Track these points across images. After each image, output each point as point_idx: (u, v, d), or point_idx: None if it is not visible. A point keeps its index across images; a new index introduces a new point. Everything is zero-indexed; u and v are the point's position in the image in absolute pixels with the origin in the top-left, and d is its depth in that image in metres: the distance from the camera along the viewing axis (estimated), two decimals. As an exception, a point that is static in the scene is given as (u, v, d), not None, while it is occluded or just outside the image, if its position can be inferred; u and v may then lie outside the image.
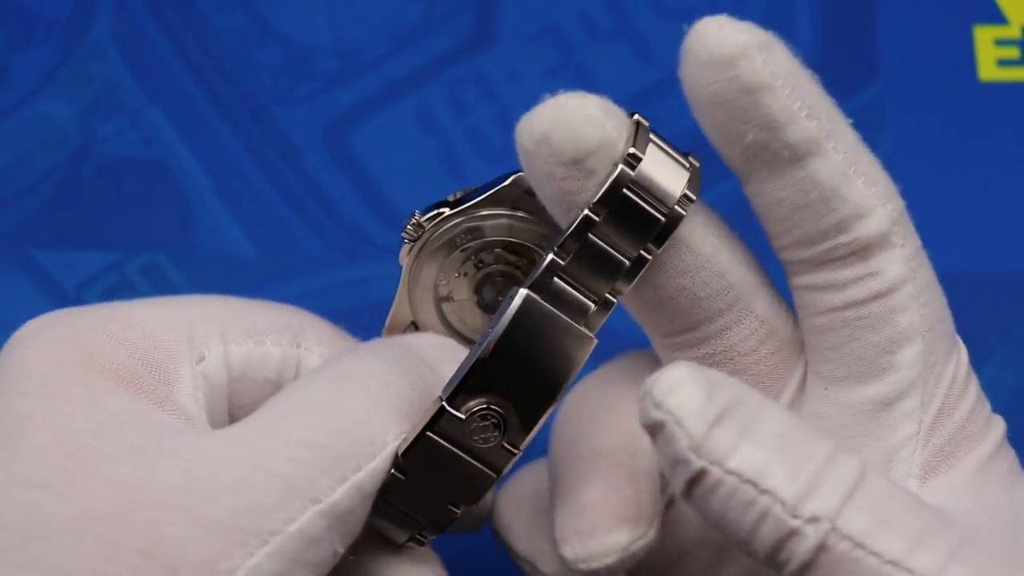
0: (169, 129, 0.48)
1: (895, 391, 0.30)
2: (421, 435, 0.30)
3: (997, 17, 0.49)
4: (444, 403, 0.29)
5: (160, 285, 0.46)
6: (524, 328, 0.29)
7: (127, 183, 0.47)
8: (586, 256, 0.29)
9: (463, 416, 0.29)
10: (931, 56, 0.48)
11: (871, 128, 0.48)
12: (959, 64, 0.48)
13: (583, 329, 0.29)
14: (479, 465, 0.30)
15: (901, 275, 0.30)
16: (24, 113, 0.48)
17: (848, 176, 0.29)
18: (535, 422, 0.30)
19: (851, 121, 0.31)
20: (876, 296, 0.29)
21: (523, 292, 0.29)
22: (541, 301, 0.29)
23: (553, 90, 0.48)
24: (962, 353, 0.30)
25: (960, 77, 0.48)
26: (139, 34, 0.49)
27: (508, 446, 0.30)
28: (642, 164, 0.30)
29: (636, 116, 0.31)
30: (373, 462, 0.30)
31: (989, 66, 0.48)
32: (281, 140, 0.48)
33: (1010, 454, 0.31)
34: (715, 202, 0.47)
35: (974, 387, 0.30)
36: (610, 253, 0.30)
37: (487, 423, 0.30)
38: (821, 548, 0.27)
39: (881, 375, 0.30)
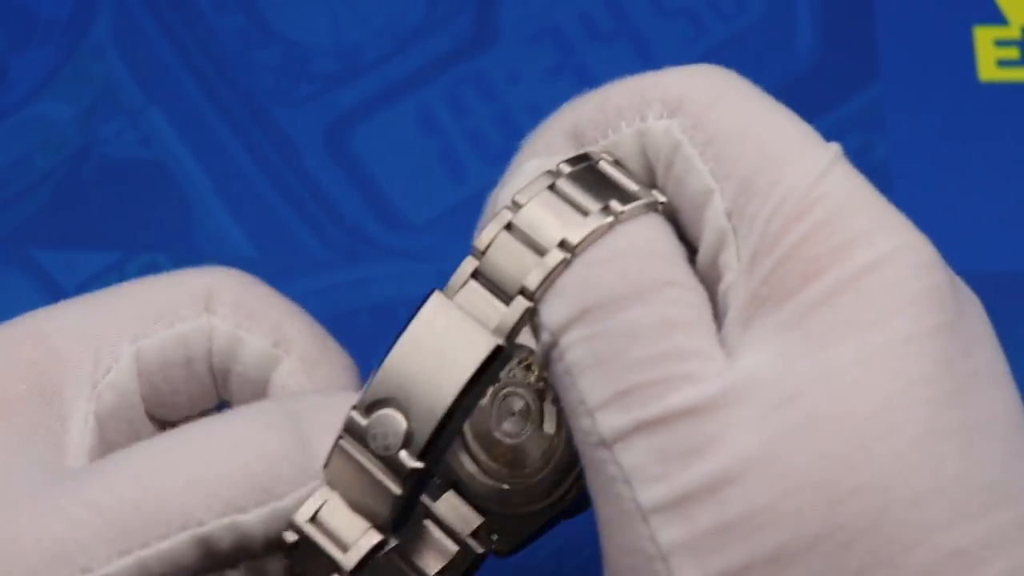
0: (169, 129, 0.48)
1: (712, 249, 0.28)
2: (336, 442, 0.28)
3: (997, 18, 0.49)
4: (352, 409, 0.28)
5: (160, 285, 0.46)
6: (427, 330, 0.28)
7: (127, 183, 0.47)
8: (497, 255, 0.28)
9: (364, 422, 0.28)
10: (931, 56, 0.48)
11: (871, 128, 0.48)
12: (959, 64, 0.48)
13: (484, 333, 0.27)
14: (384, 476, 0.28)
15: (668, 145, 0.29)
16: (24, 114, 0.48)
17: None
18: (430, 440, 0.27)
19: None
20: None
21: (433, 293, 0.28)
22: (448, 301, 0.28)
23: (553, 90, 0.49)
24: (801, 180, 0.27)
25: (960, 77, 0.48)
26: (139, 35, 0.49)
27: (407, 456, 0.27)
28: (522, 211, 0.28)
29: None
30: (164, 543, 0.27)
31: (989, 66, 0.48)
32: (281, 140, 0.48)
33: (893, 277, 0.27)
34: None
35: (817, 213, 0.27)
36: (568, 203, 0.28)
37: (387, 430, 0.28)
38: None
39: (701, 240, 0.28)
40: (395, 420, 0.27)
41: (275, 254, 0.46)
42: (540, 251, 0.27)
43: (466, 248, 0.46)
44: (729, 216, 0.28)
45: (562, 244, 0.27)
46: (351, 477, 0.28)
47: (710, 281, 0.28)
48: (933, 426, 0.25)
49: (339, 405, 0.29)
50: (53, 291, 0.46)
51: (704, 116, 0.29)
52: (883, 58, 0.49)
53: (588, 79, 0.48)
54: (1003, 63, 0.48)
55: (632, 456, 0.26)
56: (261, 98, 0.49)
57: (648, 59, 0.49)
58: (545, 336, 0.27)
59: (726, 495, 0.25)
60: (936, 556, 0.25)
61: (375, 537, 0.28)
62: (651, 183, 0.29)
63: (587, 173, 0.29)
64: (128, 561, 0.27)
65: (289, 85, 0.49)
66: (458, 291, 0.28)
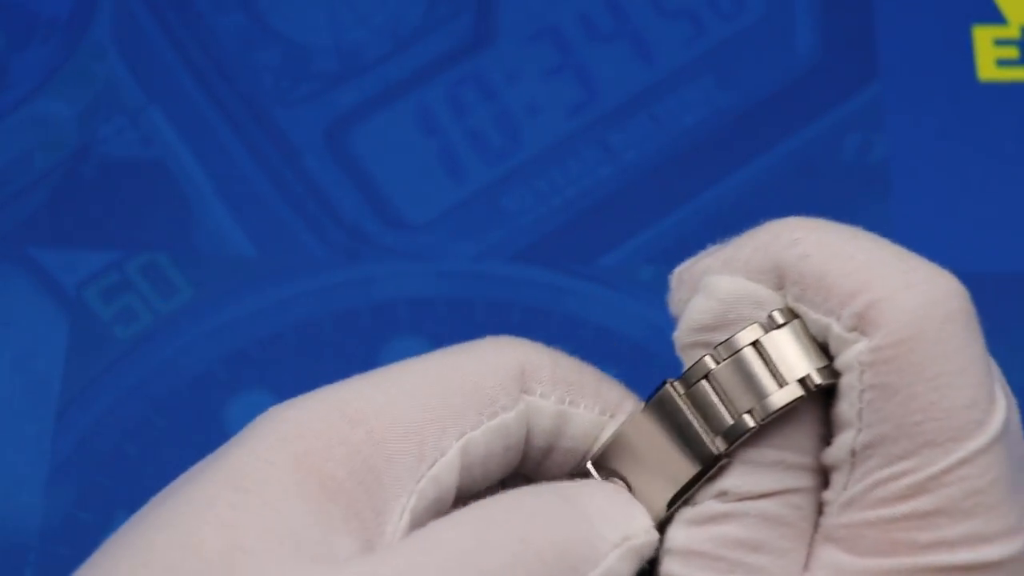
0: (169, 129, 0.48)
1: (831, 459, 0.29)
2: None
3: (996, 17, 0.49)
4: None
5: (160, 285, 0.46)
6: (656, 418, 0.30)
7: (127, 183, 0.47)
8: (740, 366, 0.29)
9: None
10: (930, 56, 0.48)
11: (871, 128, 0.48)
12: (958, 64, 0.48)
13: (707, 443, 0.29)
14: None
15: (844, 363, 0.29)
16: (24, 113, 0.48)
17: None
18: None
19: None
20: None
21: (666, 385, 0.29)
22: (680, 396, 0.29)
23: (553, 90, 0.49)
24: (928, 466, 0.28)
25: (959, 77, 0.48)
26: (139, 34, 0.50)
27: None
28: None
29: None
30: None
31: (988, 66, 0.48)
32: (281, 140, 0.48)
33: None
34: (715, 201, 0.47)
35: (922, 503, 0.28)
36: (767, 366, 0.29)
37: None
38: None
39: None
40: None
41: (275, 254, 0.46)
42: (769, 386, 0.29)
43: (465, 247, 0.46)
44: (853, 453, 0.28)
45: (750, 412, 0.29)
46: None
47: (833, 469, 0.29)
48: None
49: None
50: (53, 290, 0.46)
51: (886, 361, 0.28)
52: (882, 58, 0.49)
53: (588, 79, 0.49)
54: (1002, 63, 0.48)
55: None
56: (261, 98, 0.49)
57: (648, 59, 0.49)
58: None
59: None
60: None
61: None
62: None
63: (795, 335, 0.30)
64: None
65: (289, 85, 0.49)
66: (693, 385, 0.30)
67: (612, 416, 0.32)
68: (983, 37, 0.49)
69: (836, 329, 0.28)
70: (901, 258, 0.29)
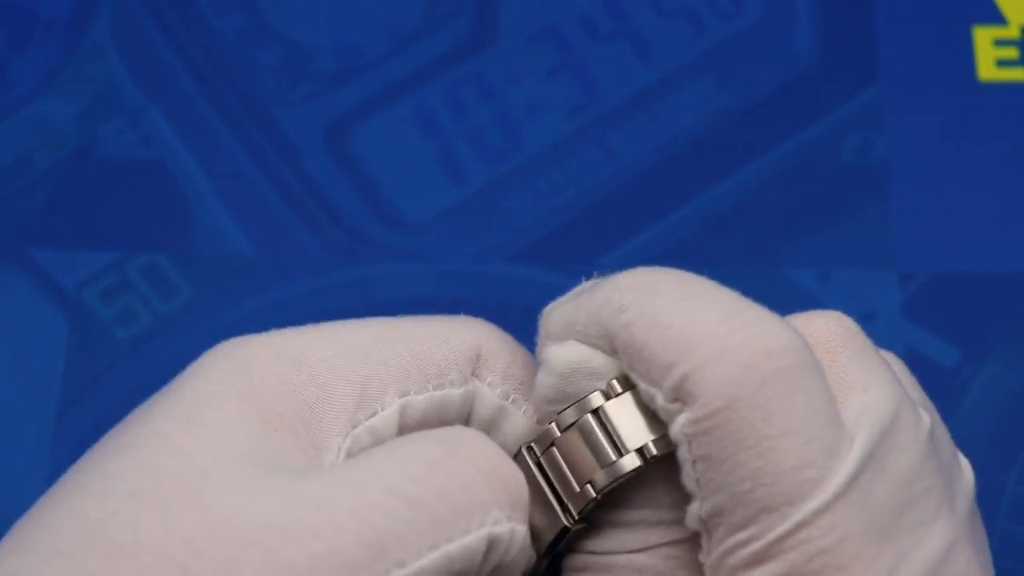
0: (169, 129, 0.48)
1: (691, 522, 0.29)
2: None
3: (996, 17, 0.49)
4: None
5: (160, 285, 0.46)
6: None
7: (127, 183, 0.47)
8: (582, 436, 0.30)
9: None
10: (930, 56, 0.49)
11: (871, 128, 0.48)
12: (958, 64, 0.48)
13: (558, 514, 0.30)
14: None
15: (673, 436, 0.29)
16: (24, 113, 0.48)
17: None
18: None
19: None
20: None
21: (520, 454, 0.30)
22: (533, 468, 0.30)
23: (553, 90, 0.49)
24: (767, 533, 0.28)
25: (959, 77, 0.48)
26: (139, 35, 0.50)
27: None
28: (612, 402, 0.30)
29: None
30: (467, 537, 0.28)
31: (988, 66, 0.48)
32: (281, 140, 0.48)
33: None
34: (715, 201, 0.47)
35: (768, 569, 0.28)
36: (609, 435, 0.30)
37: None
38: None
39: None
40: None
41: (275, 254, 0.46)
42: (609, 456, 0.29)
43: (465, 248, 0.46)
44: (701, 522, 0.28)
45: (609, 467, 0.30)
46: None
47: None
48: None
49: None
50: (53, 291, 0.46)
51: (707, 432, 0.28)
52: (882, 58, 0.49)
53: (588, 79, 0.49)
54: (1002, 63, 0.48)
55: None
56: (261, 98, 0.49)
57: (648, 59, 0.49)
58: None
59: None
60: None
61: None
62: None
63: (635, 400, 0.30)
64: (436, 555, 0.28)
65: (289, 85, 0.49)
66: (542, 455, 0.30)
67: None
68: (983, 37, 0.49)
69: (659, 401, 0.28)
70: (725, 319, 0.28)
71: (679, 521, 0.29)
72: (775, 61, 0.49)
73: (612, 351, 0.30)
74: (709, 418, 0.27)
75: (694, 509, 0.28)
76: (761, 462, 0.27)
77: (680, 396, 0.28)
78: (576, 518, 0.30)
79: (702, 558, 0.29)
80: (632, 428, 0.29)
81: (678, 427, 0.28)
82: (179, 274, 0.46)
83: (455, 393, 0.31)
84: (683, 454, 0.28)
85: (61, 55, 0.49)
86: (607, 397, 0.29)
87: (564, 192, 0.47)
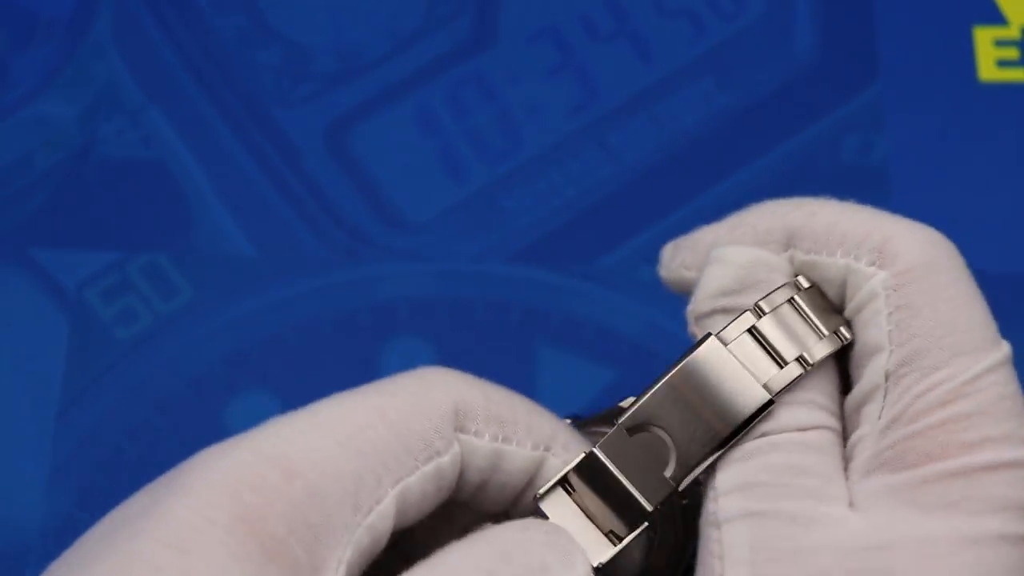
0: (169, 129, 0.48)
1: (861, 397, 0.31)
2: (589, 453, 0.31)
3: (997, 18, 0.49)
4: (617, 423, 0.31)
5: (161, 285, 0.46)
6: (703, 369, 0.31)
7: (127, 183, 0.47)
8: (781, 320, 0.32)
9: (628, 436, 0.31)
10: (931, 57, 0.48)
11: (871, 128, 0.48)
12: (959, 65, 0.48)
13: (759, 386, 0.31)
14: (634, 491, 0.31)
15: (867, 292, 0.31)
16: (24, 113, 0.48)
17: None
18: (695, 465, 0.31)
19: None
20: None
21: (711, 337, 0.31)
22: (725, 348, 0.31)
23: (553, 90, 0.49)
24: (961, 374, 0.30)
25: (960, 78, 0.48)
26: (140, 35, 0.50)
27: (667, 478, 0.31)
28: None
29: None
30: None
31: (989, 67, 0.48)
32: (281, 140, 0.48)
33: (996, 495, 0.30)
34: (715, 201, 0.47)
35: (961, 406, 0.30)
36: (806, 321, 0.32)
37: (650, 452, 0.31)
38: None
39: (857, 382, 0.31)
40: (661, 440, 0.31)
41: (275, 254, 0.46)
42: (806, 339, 0.32)
43: (465, 247, 0.46)
44: (887, 376, 0.31)
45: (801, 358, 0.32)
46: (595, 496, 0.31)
47: (849, 418, 0.31)
48: None
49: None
50: (53, 291, 0.46)
51: (908, 283, 0.31)
52: (883, 58, 0.49)
53: (588, 79, 0.49)
54: (1003, 63, 0.48)
55: (731, 537, 0.29)
56: (261, 98, 0.49)
57: (648, 59, 0.49)
58: None
59: None
60: None
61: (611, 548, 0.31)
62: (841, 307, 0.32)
63: (815, 297, 0.32)
64: None
65: (289, 85, 0.49)
66: (733, 341, 0.31)
67: (547, 449, 0.32)
68: (983, 38, 0.49)
69: (856, 266, 0.31)
70: (893, 215, 0.32)
71: (835, 412, 0.31)
72: (775, 61, 0.49)
73: (784, 249, 0.33)
74: (911, 271, 0.31)
75: (879, 364, 0.30)
76: (957, 313, 0.31)
77: (880, 259, 0.31)
78: (809, 365, 0.31)
79: (865, 430, 0.30)
80: (825, 316, 0.32)
81: (879, 281, 0.31)
82: (179, 274, 0.46)
83: (444, 461, 0.31)
84: (878, 307, 0.31)
85: (62, 55, 0.49)
86: (796, 290, 0.32)
87: (564, 192, 0.47)
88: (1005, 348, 0.31)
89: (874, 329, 0.31)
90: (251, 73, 0.49)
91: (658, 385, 0.31)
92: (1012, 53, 0.48)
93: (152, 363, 0.45)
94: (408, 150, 0.48)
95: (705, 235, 0.35)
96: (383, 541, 0.30)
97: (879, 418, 0.30)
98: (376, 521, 0.29)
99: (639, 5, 0.50)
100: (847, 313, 0.32)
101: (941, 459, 0.29)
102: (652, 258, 0.46)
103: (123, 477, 0.43)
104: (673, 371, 0.31)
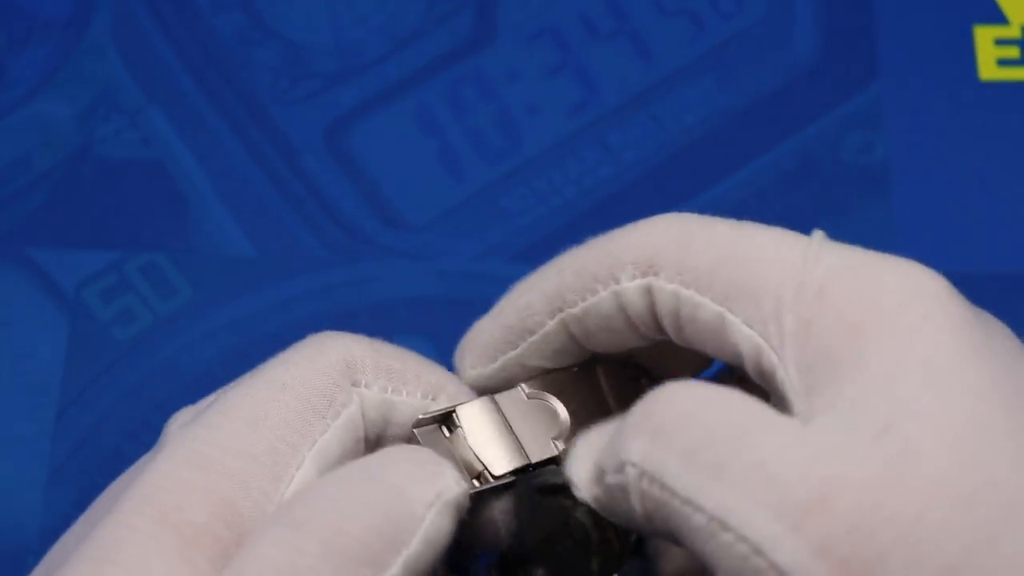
0: (169, 129, 0.48)
1: (753, 359, 0.31)
2: (487, 398, 0.33)
3: (997, 17, 0.49)
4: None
5: (160, 285, 0.46)
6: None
7: (127, 183, 0.47)
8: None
9: (526, 398, 0.34)
10: (931, 56, 0.48)
11: (871, 128, 0.48)
12: (959, 64, 0.48)
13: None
14: (521, 442, 0.33)
15: (666, 295, 0.32)
16: (23, 113, 0.48)
17: None
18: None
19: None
20: None
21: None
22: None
23: (553, 90, 0.49)
24: (794, 266, 0.30)
25: (960, 77, 0.48)
26: (139, 34, 0.49)
27: (554, 443, 0.33)
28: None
29: None
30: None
31: (989, 66, 0.48)
32: (281, 140, 0.48)
33: None
34: (715, 201, 0.47)
35: (830, 284, 0.30)
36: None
37: (543, 416, 0.34)
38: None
39: (743, 358, 0.31)
40: (554, 410, 0.33)
41: (275, 254, 0.46)
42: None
43: (465, 247, 0.46)
44: (750, 325, 0.30)
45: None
46: None
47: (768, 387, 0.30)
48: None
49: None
50: (53, 291, 0.46)
51: (683, 260, 0.31)
52: (883, 57, 0.49)
53: (588, 79, 0.48)
54: (1003, 62, 0.48)
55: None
56: (261, 98, 0.49)
57: (648, 59, 0.49)
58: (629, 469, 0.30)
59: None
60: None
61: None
62: (654, 331, 0.32)
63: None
64: None
65: (289, 85, 0.49)
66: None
67: (434, 399, 0.33)
68: (984, 37, 0.49)
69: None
70: (643, 226, 0.33)
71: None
72: (775, 61, 0.49)
73: (552, 316, 0.33)
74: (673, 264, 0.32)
75: (734, 322, 0.30)
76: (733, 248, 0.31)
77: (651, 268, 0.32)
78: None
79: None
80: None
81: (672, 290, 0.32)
82: (179, 274, 0.46)
83: (352, 411, 0.31)
84: (685, 293, 0.31)
85: (61, 55, 0.49)
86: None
87: (564, 192, 0.47)
88: (817, 233, 0.30)
89: (701, 310, 0.30)
90: (250, 72, 0.49)
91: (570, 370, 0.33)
92: (1013, 52, 0.48)
93: (152, 363, 0.45)
94: (408, 150, 0.48)
95: (478, 334, 0.35)
96: None
97: (779, 357, 0.29)
98: (299, 487, 0.30)
99: (639, 5, 0.50)
100: (671, 328, 0.31)
101: (859, 332, 0.28)
102: (652, 258, 0.46)
103: (123, 477, 0.43)
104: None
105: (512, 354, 0.34)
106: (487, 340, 0.34)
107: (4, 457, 0.43)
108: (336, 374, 0.31)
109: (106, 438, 0.44)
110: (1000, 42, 0.49)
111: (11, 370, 0.45)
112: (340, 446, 0.31)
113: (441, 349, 0.45)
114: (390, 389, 0.32)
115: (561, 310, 0.33)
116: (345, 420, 0.31)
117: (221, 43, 0.49)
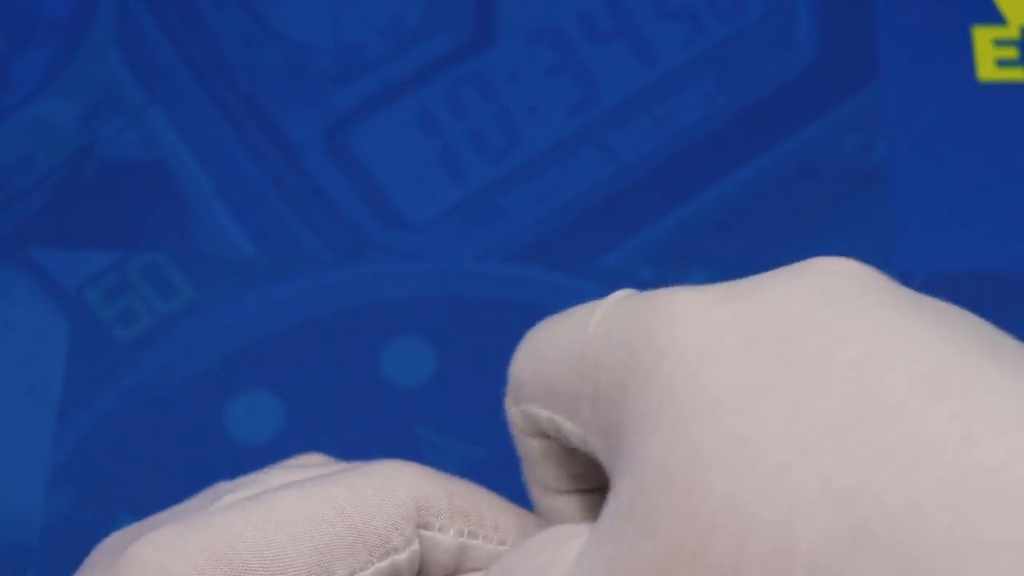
0: (170, 130, 0.48)
1: None
2: None
3: (996, 17, 0.49)
4: None
5: (161, 285, 0.46)
6: None
7: (128, 183, 0.47)
8: None
9: None
10: (930, 56, 0.48)
11: (870, 128, 0.48)
12: (958, 64, 0.48)
13: None
14: None
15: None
16: (25, 113, 0.48)
17: None
18: None
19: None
20: None
21: None
22: None
23: (553, 90, 0.49)
24: None
25: (959, 77, 0.48)
26: (140, 35, 0.50)
27: None
28: None
29: None
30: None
31: (988, 66, 0.48)
32: (281, 140, 0.48)
33: None
34: (715, 201, 0.47)
35: None
36: None
37: None
38: None
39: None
40: None
41: (275, 254, 0.46)
42: None
43: (465, 248, 0.46)
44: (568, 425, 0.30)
45: None
46: None
47: None
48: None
49: None
50: (53, 291, 0.46)
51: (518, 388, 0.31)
52: (882, 58, 0.49)
53: (588, 79, 0.49)
54: (1002, 63, 0.48)
55: None
56: (262, 98, 0.49)
57: (648, 59, 0.49)
58: None
59: None
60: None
61: None
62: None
63: None
64: None
65: (289, 85, 0.49)
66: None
67: (512, 545, 0.31)
68: (983, 37, 0.49)
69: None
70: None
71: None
72: (775, 61, 0.49)
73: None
74: None
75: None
76: None
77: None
78: None
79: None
80: None
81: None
82: (179, 274, 0.46)
83: (400, 559, 0.30)
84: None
85: (62, 55, 0.49)
86: None
87: (564, 192, 0.47)
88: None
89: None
90: (251, 73, 0.49)
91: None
92: (1011, 53, 0.48)
93: (152, 363, 0.45)
94: (408, 150, 0.48)
95: None
96: None
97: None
98: None
99: (639, 5, 0.50)
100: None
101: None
102: (652, 258, 0.46)
103: (123, 477, 0.43)
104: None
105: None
106: None
107: (4, 457, 0.44)
108: (399, 517, 0.30)
109: (106, 438, 0.44)
110: (999, 43, 0.49)
111: (12, 370, 0.45)
112: None
113: (441, 349, 0.45)
114: (466, 533, 0.31)
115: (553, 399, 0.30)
116: (390, 565, 0.30)
117: (222, 43, 0.49)
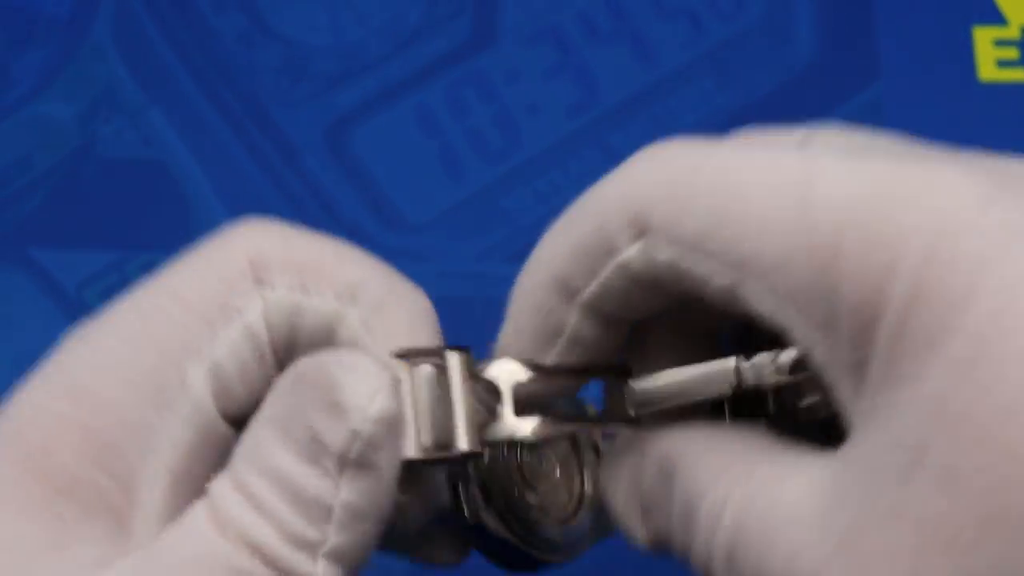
0: (169, 130, 0.48)
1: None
2: (437, 348, 0.29)
3: (996, 18, 0.49)
4: None
5: (160, 285, 0.46)
6: None
7: (127, 183, 0.47)
8: None
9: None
10: (930, 57, 0.48)
11: (870, 128, 0.48)
12: (958, 65, 0.48)
13: None
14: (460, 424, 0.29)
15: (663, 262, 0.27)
16: (24, 114, 0.48)
17: None
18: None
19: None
20: None
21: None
22: None
23: (553, 90, 0.49)
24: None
25: (959, 78, 0.48)
26: (140, 35, 0.50)
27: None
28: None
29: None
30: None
31: (988, 67, 0.48)
32: (281, 140, 0.48)
33: None
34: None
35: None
36: None
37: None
38: None
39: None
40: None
41: (275, 254, 0.46)
42: None
43: (465, 247, 0.46)
44: (765, 302, 0.26)
45: None
46: None
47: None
48: None
49: None
50: (53, 291, 0.46)
51: (674, 224, 0.26)
52: (883, 58, 0.49)
53: (588, 79, 0.49)
54: (1003, 63, 0.48)
55: None
56: (261, 98, 0.49)
57: (648, 59, 0.49)
58: None
59: None
60: None
61: None
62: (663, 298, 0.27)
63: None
64: None
65: (289, 85, 0.49)
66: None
67: (352, 300, 0.28)
68: (983, 38, 0.49)
69: None
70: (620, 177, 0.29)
71: None
72: (775, 61, 0.49)
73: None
74: None
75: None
76: None
77: None
78: None
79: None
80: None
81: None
82: (179, 274, 0.46)
83: (251, 319, 0.26)
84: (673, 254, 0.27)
85: (61, 55, 0.49)
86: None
87: (564, 192, 0.47)
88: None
89: (703, 264, 0.25)
90: (251, 73, 0.49)
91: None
92: (1012, 53, 0.48)
93: (152, 363, 0.45)
94: (408, 150, 0.48)
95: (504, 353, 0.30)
96: (216, 427, 0.26)
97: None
98: (191, 412, 0.25)
99: (639, 5, 0.50)
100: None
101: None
102: (652, 258, 0.46)
103: (123, 477, 0.43)
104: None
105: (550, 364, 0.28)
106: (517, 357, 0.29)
107: (4, 457, 0.44)
108: (235, 276, 0.27)
109: (106, 438, 0.44)
110: (999, 43, 0.49)
111: (11, 370, 0.45)
112: (237, 361, 0.26)
113: (441, 349, 0.45)
114: (298, 289, 0.27)
115: (574, 297, 0.28)
116: (241, 331, 0.26)
117: (222, 44, 0.49)
